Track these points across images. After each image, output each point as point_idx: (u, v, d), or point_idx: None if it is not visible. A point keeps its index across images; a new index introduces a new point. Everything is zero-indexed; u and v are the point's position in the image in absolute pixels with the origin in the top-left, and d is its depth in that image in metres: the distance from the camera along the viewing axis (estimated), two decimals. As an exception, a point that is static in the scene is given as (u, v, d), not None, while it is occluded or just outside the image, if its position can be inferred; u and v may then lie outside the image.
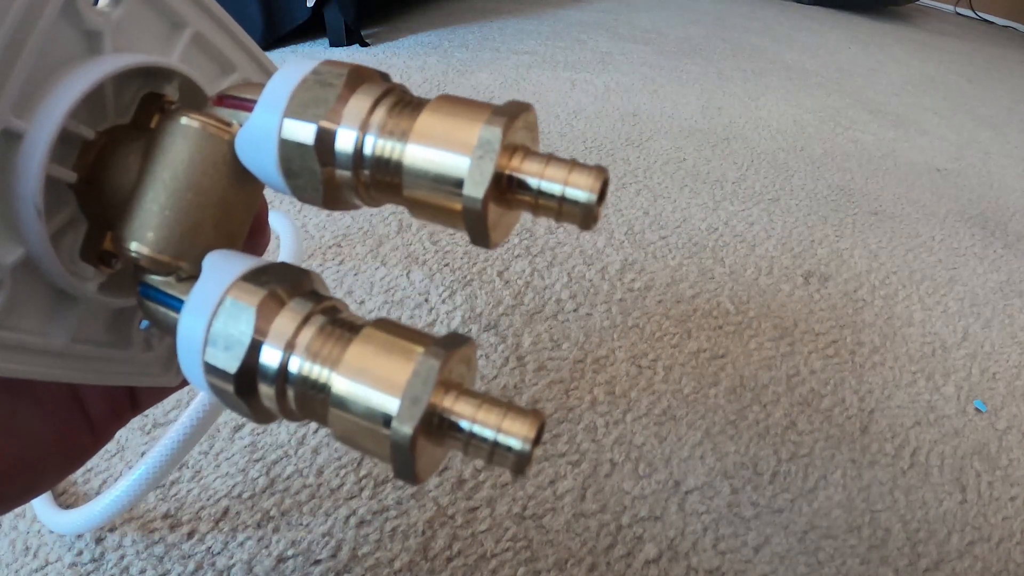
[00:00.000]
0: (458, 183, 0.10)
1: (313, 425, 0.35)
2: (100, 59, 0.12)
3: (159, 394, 0.18)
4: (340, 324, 0.11)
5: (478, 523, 0.32)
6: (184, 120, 0.12)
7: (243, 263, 0.11)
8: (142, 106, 0.14)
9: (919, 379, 0.45)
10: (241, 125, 0.12)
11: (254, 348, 0.10)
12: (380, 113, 0.11)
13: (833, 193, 0.70)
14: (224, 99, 0.13)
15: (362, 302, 0.44)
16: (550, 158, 0.10)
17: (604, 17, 1.28)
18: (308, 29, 0.91)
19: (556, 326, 0.44)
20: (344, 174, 0.11)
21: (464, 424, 0.10)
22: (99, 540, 0.29)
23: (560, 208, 0.10)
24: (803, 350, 0.46)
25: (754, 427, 0.39)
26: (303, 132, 0.11)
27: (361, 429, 0.10)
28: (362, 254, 0.49)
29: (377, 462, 0.33)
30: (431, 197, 0.11)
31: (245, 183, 0.13)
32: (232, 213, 0.13)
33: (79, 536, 0.29)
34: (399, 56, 0.90)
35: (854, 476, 0.38)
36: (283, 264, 0.12)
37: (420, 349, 0.10)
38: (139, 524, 0.30)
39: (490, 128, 0.10)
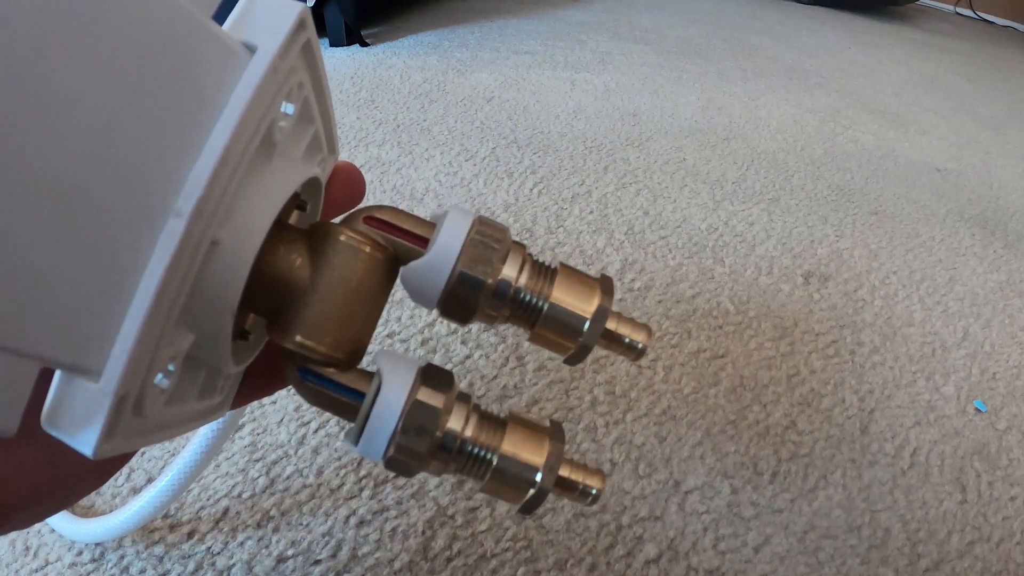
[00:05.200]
0: (579, 333, 0.16)
1: (313, 425, 0.35)
2: (277, 168, 0.14)
3: None
4: (487, 417, 0.16)
5: (478, 523, 0.32)
6: (347, 240, 0.15)
7: (411, 366, 0.15)
8: None
9: (919, 379, 0.45)
10: (394, 249, 0.16)
11: (438, 436, 0.15)
12: (524, 276, 0.16)
13: (833, 193, 0.70)
14: (373, 221, 0.16)
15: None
16: (623, 319, 0.16)
17: (604, 17, 1.28)
18: (308, 29, 0.91)
19: (556, 326, 0.44)
20: (492, 312, 0.16)
21: (580, 486, 0.16)
22: (99, 540, 0.29)
23: (625, 347, 0.16)
24: (803, 350, 0.46)
25: (754, 427, 0.39)
26: (475, 283, 0.15)
27: (509, 487, 0.15)
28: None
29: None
30: (555, 336, 0.16)
31: (388, 289, 0.16)
32: (379, 311, 0.16)
33: (79, 536, 0.29)
34: (399, 56, 0.90)
35: (854, 476, 0.38)
36: (432, 366, 0.16)
37: (547, 438, 0.16)
38: (139, 524, 0.30)
39: (603, 304, 0.16)
